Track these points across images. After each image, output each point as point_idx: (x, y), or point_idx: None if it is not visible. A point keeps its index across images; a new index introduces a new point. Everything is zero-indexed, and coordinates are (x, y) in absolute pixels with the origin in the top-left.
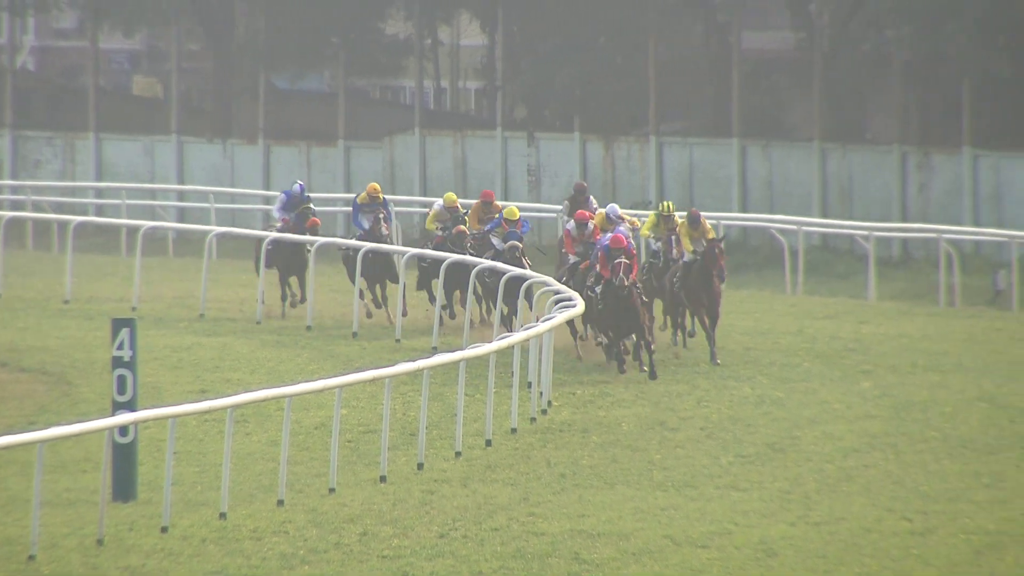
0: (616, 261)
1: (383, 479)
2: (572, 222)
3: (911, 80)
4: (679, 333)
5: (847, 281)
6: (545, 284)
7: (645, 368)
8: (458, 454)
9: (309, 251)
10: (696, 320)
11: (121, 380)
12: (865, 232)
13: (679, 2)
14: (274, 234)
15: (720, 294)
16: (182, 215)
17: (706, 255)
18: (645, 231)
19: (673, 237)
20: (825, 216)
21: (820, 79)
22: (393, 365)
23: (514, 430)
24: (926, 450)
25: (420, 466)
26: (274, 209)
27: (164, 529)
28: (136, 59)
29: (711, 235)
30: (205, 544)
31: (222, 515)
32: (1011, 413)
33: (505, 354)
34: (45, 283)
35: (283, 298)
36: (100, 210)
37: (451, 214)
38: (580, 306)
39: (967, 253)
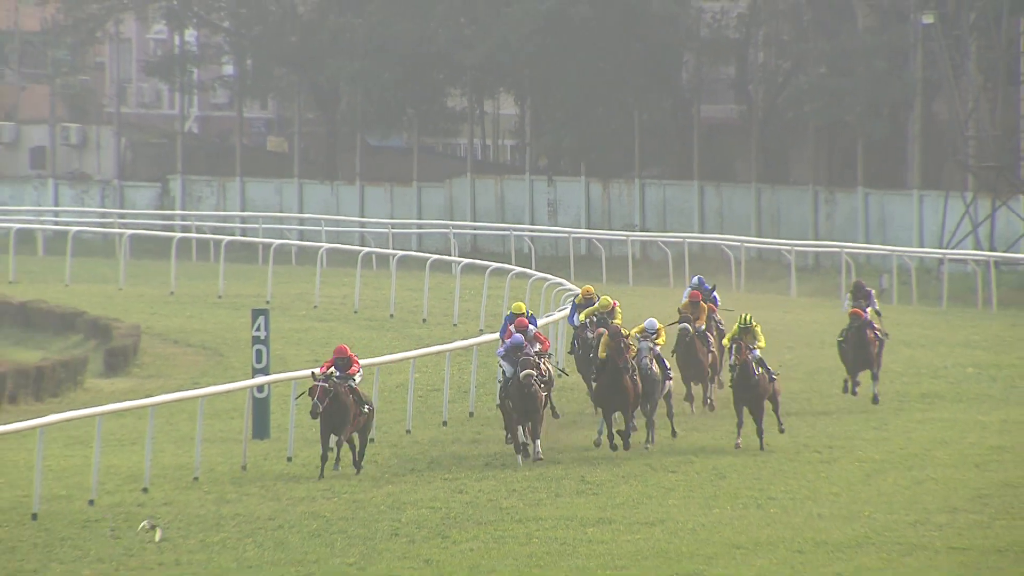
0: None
1: (445, 423)
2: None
3: (822, 140)
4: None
5: (775, 283)
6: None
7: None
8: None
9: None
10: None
11: (258, 353)
12: (788, 247)
13: (654, 83)
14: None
15: (636, 389)
16: (302, 236)
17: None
18: (726, 342)
19: (734, 346)
20: (760, 236)
21: (756, 139)
22: (451, 343)
23: None
24: (831, 404)
25: (471, 414)
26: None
27: (289, 459)
28: (269, 124)
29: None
30: (320, 468)
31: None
32: (890, 375)
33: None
34: (205, 284)
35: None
36: (244, 232)
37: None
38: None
39: (861, 262)
